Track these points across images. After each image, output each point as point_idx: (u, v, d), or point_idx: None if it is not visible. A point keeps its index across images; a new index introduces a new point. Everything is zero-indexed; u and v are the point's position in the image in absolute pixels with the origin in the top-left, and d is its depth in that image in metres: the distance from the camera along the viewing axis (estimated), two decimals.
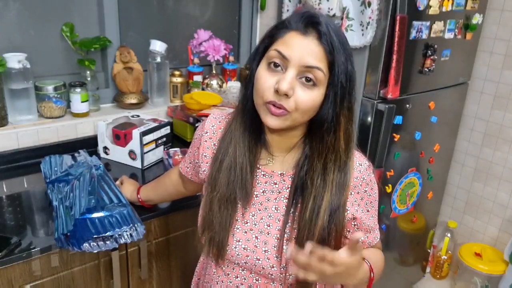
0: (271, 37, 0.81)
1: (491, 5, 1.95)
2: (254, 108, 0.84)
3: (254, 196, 0.90)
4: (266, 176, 0.91)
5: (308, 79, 0.77)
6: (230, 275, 0.93)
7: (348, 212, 0.87)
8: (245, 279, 0.91)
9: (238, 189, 0.88)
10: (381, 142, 1.67)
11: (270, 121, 0.80)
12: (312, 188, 0.84)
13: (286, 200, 0.88)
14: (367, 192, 0.89)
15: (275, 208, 0.89)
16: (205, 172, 0.96)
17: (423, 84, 1.76)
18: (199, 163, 0.97)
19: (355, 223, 0.89)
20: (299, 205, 0.86)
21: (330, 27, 0.77)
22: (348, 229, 0.90)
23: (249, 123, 0.88)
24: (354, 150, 0.87)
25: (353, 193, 0.87)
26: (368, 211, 0.90)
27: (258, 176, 0.91)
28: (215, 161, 0.91)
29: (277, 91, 0.77)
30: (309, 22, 0.78)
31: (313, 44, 0.77)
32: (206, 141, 0.96)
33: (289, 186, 0.89)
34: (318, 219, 0.83)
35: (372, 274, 0.82)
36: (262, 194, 0.90)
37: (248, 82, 0.86)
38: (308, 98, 0.78)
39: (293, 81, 0.77)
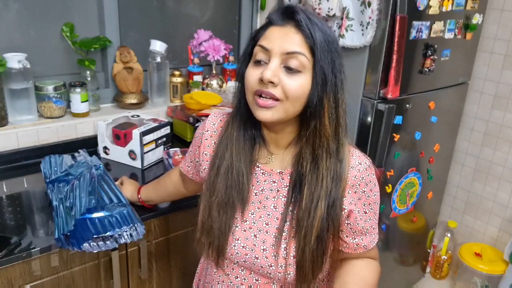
0: (255, 37, 0.84)
1: (491, 5, 1.95)
2: (247, 108, 0.85)
3: (253, 194, 0.90)
4: (265, 175, 0.90)
5: (292, 66, 0.78)
6: (230, 275, 0.93)
7: (346, 211, 0.86)
8: (245, 279, 0.91)
9: (235, 193, 0.88)
10: (381, 142, 1.67)
11: (261, 113, 0.81)
12: (311, 178, 0.84)
13: (285, 199, 0.88)
14: (365, 192, 0.88)
15: (273, 206, 0.89)
16: (205, 171, 0.96)
17: (423, 84, 1.76)
18: (200, 161, 0.97)
19: (349, 221, 0.88)
20: (297, 202, 0.85)
21: (307, 15, 0.79)
22: (341, 229, 0.88)
23: (244, 124, 0.88)
24: (347, 137, 0.86)
25: (350, 192, 0.86)
26: (365, 212, 0.88)
27: (257, 175, 0.91)
28: (212, 166, 0.92)
29: (262, 81, 0.78)
30: (286, 12, 0.80)
31: (291, 32, 0.79)
32: (207, 139, 0.96)
33: (288, 184, 0.88)
34: (316, 209, 0.82)
35: None
36: (261, 192, 0.90)
37: (239, 84, 0.87)
38: (295, 85, 0.78)
39: (276, 69, 0.78)
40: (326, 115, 0.81)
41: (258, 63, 0.81)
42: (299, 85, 0.79)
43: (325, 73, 0.79)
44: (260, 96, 0.80)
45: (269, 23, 0.82)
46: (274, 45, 0.78)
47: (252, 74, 0.81)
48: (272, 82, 0.78)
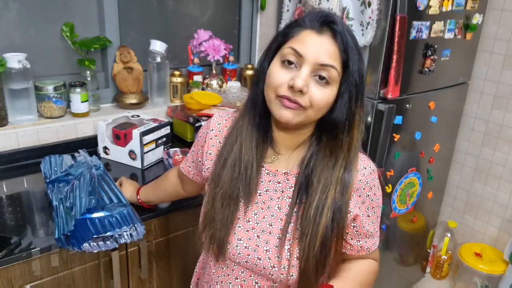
0: (285, 35, 0.82)
1: (491, 5, 1.95)
2: (264, 105, 0.85)
3: (257, 194, 0.90)
4: (270, 175, 0.90)
5: (322, 77, 0.78)
6: (230, 276, 0.92)
7: (351, 214, 0.86)
8: (244, 281, 0.91)
9: (241, 187, 0.88)
10: (381, 142, 1.67)
11: (284, 113, 0.80)
12: (319, 185, 0.84)
13: (289, 200, 0.88)
14: (369, 196, 0.88)
15: (277, 207, 0.88)
16: (208, 170, 0.95)
17: (423, 84, 1.76)
18: (203, 160, 0.97)
19: (355, 224, 0.88)
20: (302, 204, 0.85)
21: (344, 26, 0.79)
22: (347, 231, 0.89)
23: (258, 121, 0.88)
24: (359, 148, 0.87)
25: (355, 195, 0.86)
26: (369, 216, 0.89)
27: (262, 175, 0.90)
28: (219, 158, 0.91)
29: (291, 87, 0.78)
30: (325, 21, 0.79)
31: (328, 43, 0.78)
32: (211, 138, 0.95)
33: (293, 185, 0.88)
34: (322, 216, 0.83)
35: None
36: (265, 192, 0.90)
37: (258, 79, 0.86)
38: (322, 96, 0.79)
39: (307, 78, 0.78)
40: (356, 128, 0.83)
41: (287, 63, 0.80)
42: (326, 96, 0.79)
43: (358, 88, 0.80)
44: (285, 99, 0.79)
45: (302, 26, 0.80)
46: (310, 53, 0.77)
47: (279, 76, 0.80)
48: (301, 91, 0.77)
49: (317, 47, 0.78)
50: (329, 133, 0.84)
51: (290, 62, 0.79)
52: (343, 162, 0.84)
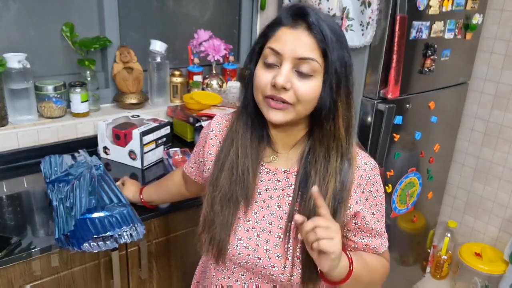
0: (264, 36, 0.83)
1: (491, 5, 1.95)
2: (255, 107, 0.85)
3: (257, 193, 0.90)
4: (270, 174, 0.90)
5: (303, 70, 0.78)
6: (230, 278, 0.92)
7: (351, 209, 0.86)
8: (245, 283, 0.90)
9: (239, 189, 0.87)
10: (381, 142, 1.67)
11: (273, 115, 0.81)
12: (316, 177, 0.84)
13: (289, 198, 0.88)
14: (372, 192, 0.88)
15: (277, 206, 0.88)
16: (209, 170, 0.95)
17: (423, 84, 1.76)
18: (204, 161, 0.97)
19: (356, 221, 0.87)
20: (303, 201, 0.85)
21: (319, 16, 0.78)
22: (348, 228, 0.88)
23: (251, 122, 0.88)
24: (355, 137, 0.87)
25: (357, 191, 0.86)
26: (373, 214, 0.88)
27: (261, 174, 0.90)
28: (217, 161, 0.92)
29: (274, 86, 0.78)
30: (297, 14, 0.79)
31: (303, 35, 0.78)
32: (212, 139, 0.96)
33: (293, 183, 0.88)
34: None
35: (351, 266, 0.80)
36: (265, 191, 0.90)
37: (247, 82, 0.87)
38: (307, 89, 0.79)
39: (289, 74, 0.78)
40: (340, 117, 0.82)
41: (268, 65, 0.80)
42: (311, 89, 0.79)
43: (339, 76, 0.79)
44: (272, 98, 0.80)
45: (279, 23, 0.81)
46: (286, 49, 0.78)
47: (263, 77, 0.81)
48: (284, 88, 0.78)
49: (292, 41, 0.78)
50: (316, 124, 0.84)
51: (271, 63, 0.80)
52: (337, 152, 0.84)
